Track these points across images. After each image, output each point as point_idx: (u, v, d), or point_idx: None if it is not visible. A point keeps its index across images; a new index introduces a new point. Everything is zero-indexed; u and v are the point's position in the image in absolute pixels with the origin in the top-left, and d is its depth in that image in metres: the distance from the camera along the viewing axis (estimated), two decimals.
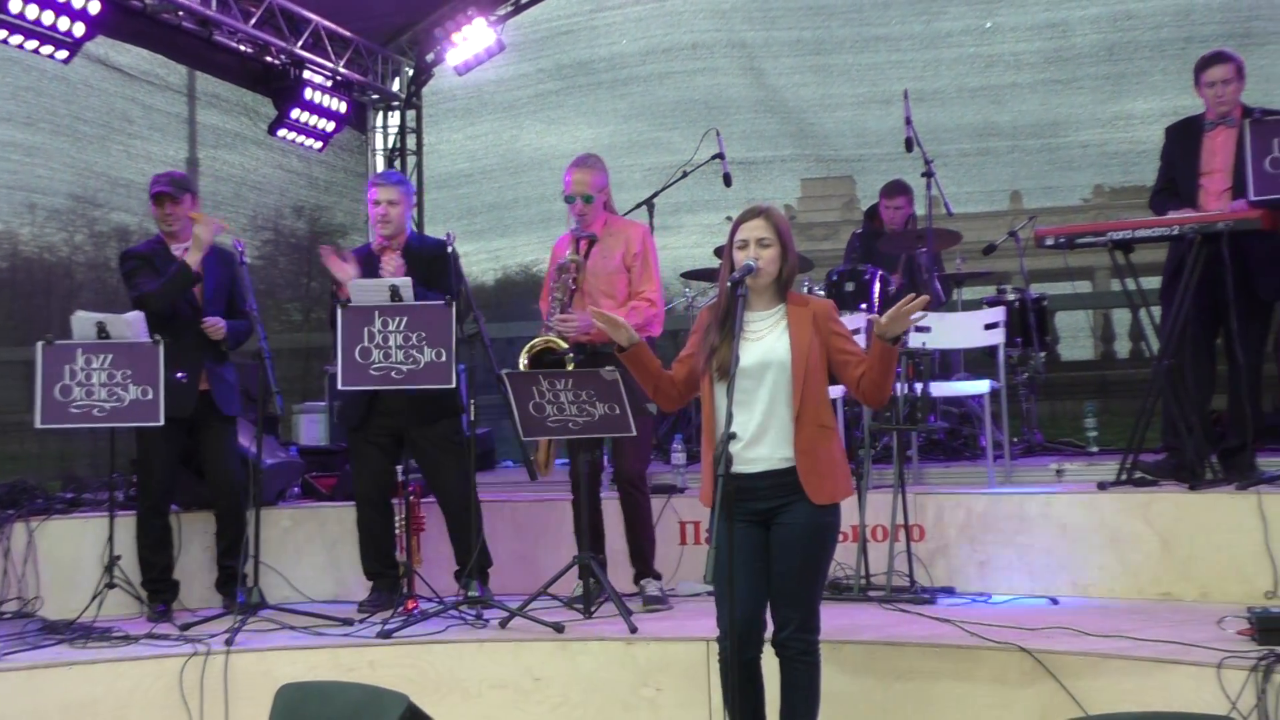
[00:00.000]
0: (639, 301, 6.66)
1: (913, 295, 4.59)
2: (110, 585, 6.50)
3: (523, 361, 6.52)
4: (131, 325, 6.55)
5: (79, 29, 8.83)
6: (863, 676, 5.53)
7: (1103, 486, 6.76)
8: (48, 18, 8.58)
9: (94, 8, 8.82)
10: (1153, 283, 7.20)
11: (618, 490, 6.77)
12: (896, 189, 9.48)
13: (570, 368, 6.27)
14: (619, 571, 6.78)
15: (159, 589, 6.83)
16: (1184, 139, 7.03)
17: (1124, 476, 6.80)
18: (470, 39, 11.97)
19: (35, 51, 8.83)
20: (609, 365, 6.04)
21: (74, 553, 6.95)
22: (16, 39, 8.64)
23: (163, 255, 6.89)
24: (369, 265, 6.91)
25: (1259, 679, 4.63)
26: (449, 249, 6.64)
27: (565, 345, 6.47)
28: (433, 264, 6.81)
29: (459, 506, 6.73)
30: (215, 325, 6.83)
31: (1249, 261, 6.61)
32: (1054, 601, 6.43)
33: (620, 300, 6.67)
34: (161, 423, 6.44)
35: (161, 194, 6.93)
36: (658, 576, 6.76)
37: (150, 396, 6.39)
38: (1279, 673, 4.60)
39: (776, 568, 4.73)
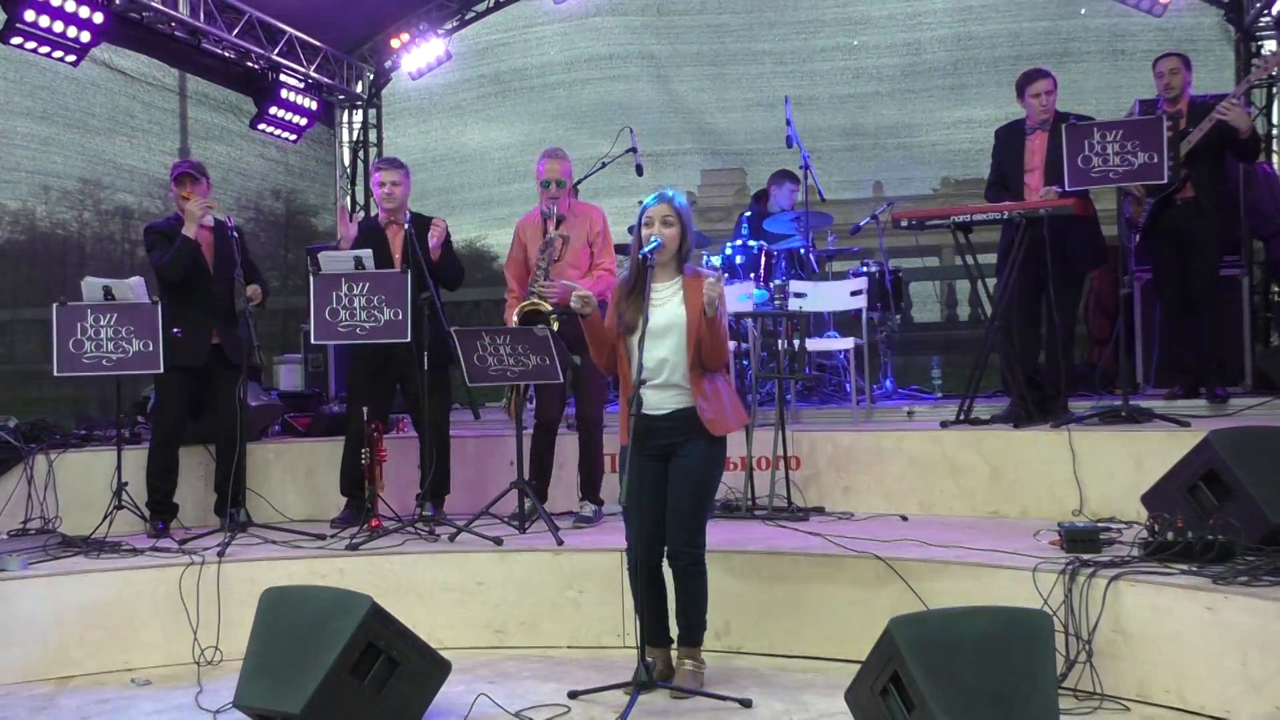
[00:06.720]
0: (601, 272, 6.68)
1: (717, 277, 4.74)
2: (119, 507, 6.42)
3: (514, 319, 6.53)
4: (134, 289, 6.46)
5: (85, 36, 8.67)
6: (748, 580, 5.64)
7: (945, 425, 6.89)
8: (59, 27, 8.44)
9: (98, 19, 8.67)
10: (989, 258, 7.34)
11: (579, 429, 6.81)
12: (792, 176, 9.53)
13: (555, 326, 6.28)
14: (565, 494, 6.95)
15: (160, 510, 6.77)
16: (1010, 141, 7.15)
17: (962, 417, 6.96)
18: (422, 50, 12.01)
19: (49, 56, 8.67)
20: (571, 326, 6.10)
21: (87, 480, 6.87)
22: (32, 45, 8.49)
23: (179, 231, 6.74)
24: (373, 235, 6.90)
25: (1066, 580, 4.78)
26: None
27: (550, 307, 6.46)
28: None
29: (438, 437, 6.75)
30: (255, 290, 6.74)
31: (1066, 241, 6.75)
32: (904, 519, 6.54)
33: (584, 270, 6.69)
34: (161, 371, 6.37)
35: (185, 174, 6.87)
36: (600, 502, 6.81)
37: (151, 349, 6.32)
38: (1082, 575, 4.76)
39: (672, 492, 4.80)
